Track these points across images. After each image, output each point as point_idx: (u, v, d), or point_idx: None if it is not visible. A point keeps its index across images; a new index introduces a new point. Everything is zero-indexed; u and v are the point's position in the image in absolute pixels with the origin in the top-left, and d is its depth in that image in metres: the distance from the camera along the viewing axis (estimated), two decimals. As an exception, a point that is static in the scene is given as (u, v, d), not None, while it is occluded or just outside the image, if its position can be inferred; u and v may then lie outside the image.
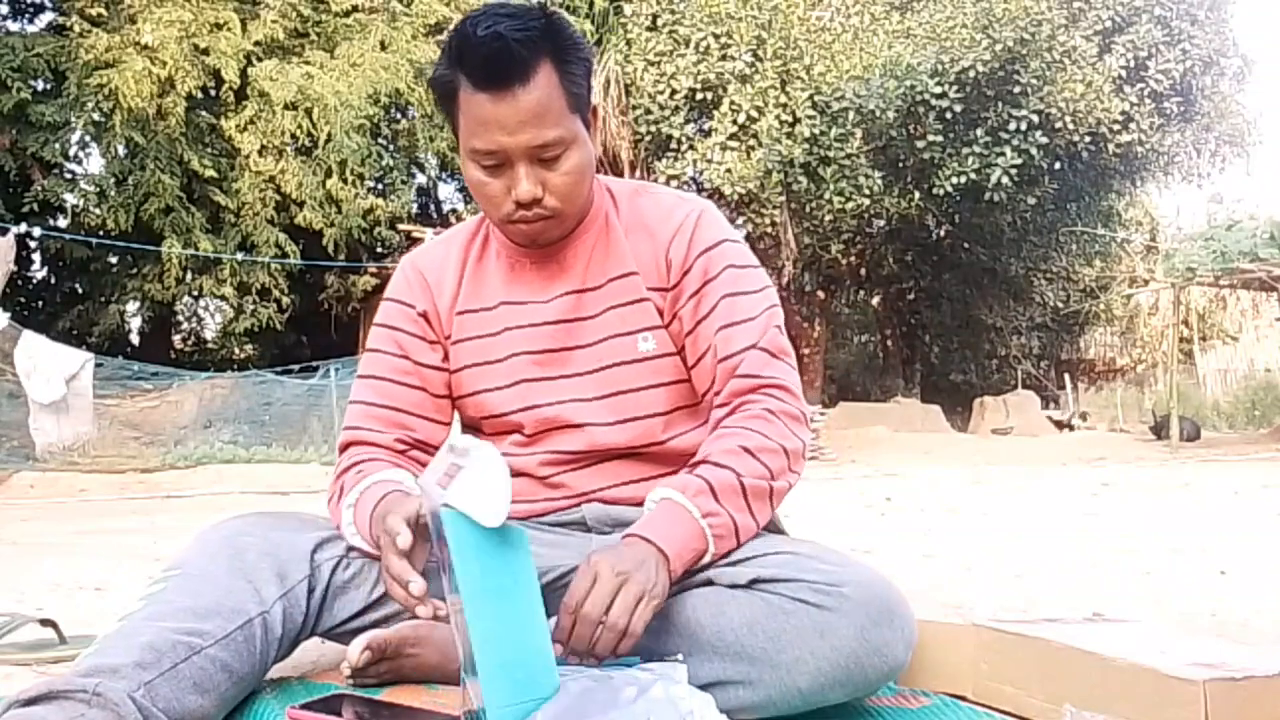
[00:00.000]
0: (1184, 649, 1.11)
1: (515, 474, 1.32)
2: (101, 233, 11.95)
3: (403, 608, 1.11)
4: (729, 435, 1.24)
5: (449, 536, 0.96)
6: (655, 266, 1.33)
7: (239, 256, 12.75)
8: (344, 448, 1.36)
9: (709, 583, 1.18)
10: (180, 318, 17.61)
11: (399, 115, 14.22)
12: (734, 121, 12.89)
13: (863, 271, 18.09)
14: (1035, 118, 12.53)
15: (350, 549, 1.25)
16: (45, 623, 1.70)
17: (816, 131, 12.59)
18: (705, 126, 13.56)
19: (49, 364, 9.75)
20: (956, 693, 1.23)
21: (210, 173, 12.32)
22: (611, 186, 1.39)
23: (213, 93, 12.81)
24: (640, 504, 1.26)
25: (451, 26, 1.23)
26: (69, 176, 12.79)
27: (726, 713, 1.11)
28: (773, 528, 1.32)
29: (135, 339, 16.09)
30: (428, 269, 1.40)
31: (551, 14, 1.20)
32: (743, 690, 1.13)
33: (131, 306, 14.66)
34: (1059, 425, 16.56)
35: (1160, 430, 13.49)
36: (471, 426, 1.43)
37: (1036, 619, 1.32)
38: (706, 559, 1.18)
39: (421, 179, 16.14)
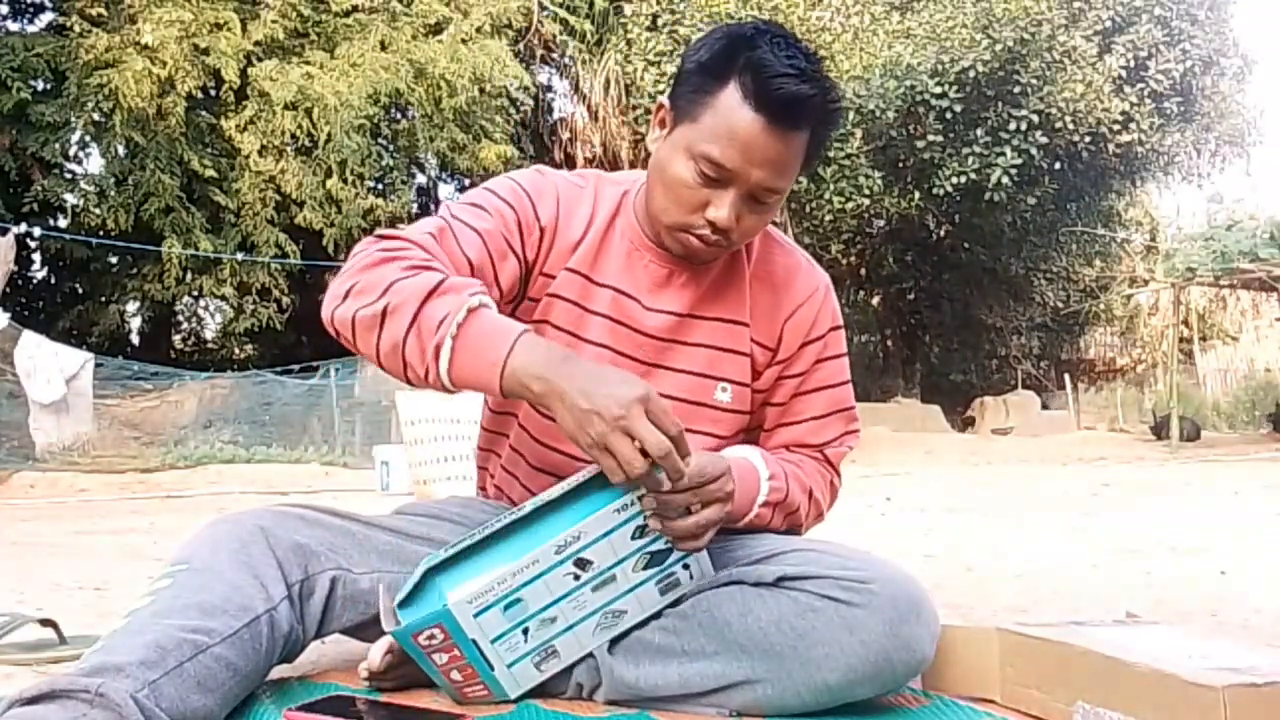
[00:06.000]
0: (1208, 653, 1.11)
1: (560, 451, 1.32)
2: (101, 233, 11.94)
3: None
4: (803, 471, 1.36)
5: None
6: (768, 326, 1.34)
7: (239, 256, 12.75)
8: (391, 238, 1.18)
9: (736, 582, 1.19)
10: (180, 318, 17.60)
11: (399, 115, 14.22)
12: (734, 121, 12.87)
13: (863, 271, 18.09)
14: (1035, 118, 12.52)
15: (356, 569, 1.22)
16: (45, 623, 1.70)
17: (816, 131, 12.58)
18: (706, 126, 13.55)
19: (49, 364, 9.74)
20: (986, 697, 1.24)
21: (210, 173, 12.31)
22: None
23: (213, 93, 12.81)
24: None
25: (737, 25, 1.19)
26: (69, 176, 12.78)
27: (757, 710, 1.15)
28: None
29: (135, 339, 16.09)
30: (565, 197, 1.32)
31: (827, 74, 1.20)
32: (771, 688, 1.15)
33: (131, 306, 14.67)
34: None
35: (1160, 430, 13.49)
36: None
37: (1063, 621, 1.32)
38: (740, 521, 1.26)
39: (421, 179, 16.14)
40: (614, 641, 1.21)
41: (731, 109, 1.14)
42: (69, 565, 3.22)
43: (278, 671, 1.22)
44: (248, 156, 12.27)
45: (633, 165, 14.29)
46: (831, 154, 12.69)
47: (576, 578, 1.11)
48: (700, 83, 1.17)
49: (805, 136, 1.18)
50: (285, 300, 13.36)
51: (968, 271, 17.69)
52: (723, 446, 1.34)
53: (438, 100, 13.04)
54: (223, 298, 13.70)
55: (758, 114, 1.13)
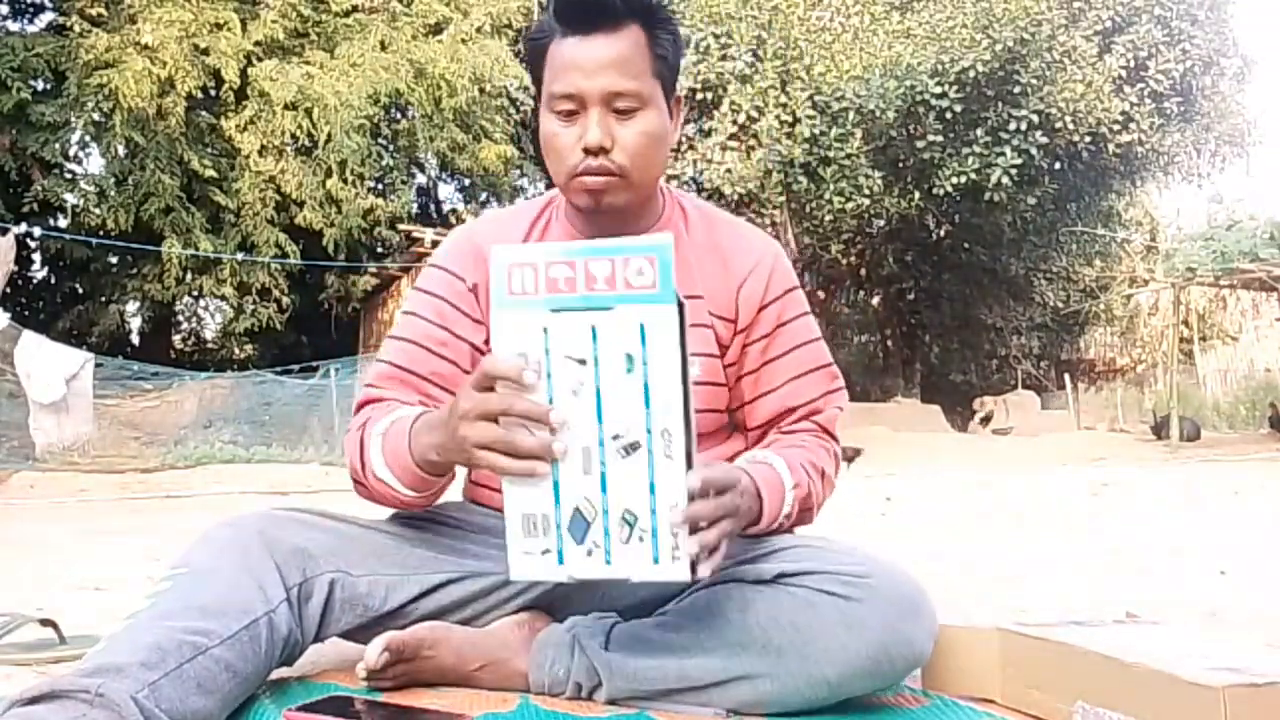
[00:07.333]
0: (1207, 653, 1.10)
1: None
2: (101, 233, 11.95)
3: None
4: (810, 453, 1.32)
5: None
6: (725, 297, 1.33)
7: (239, 256, 12.76)
8: (360, 406, 1.30)
9: (735, 579, 1.19)
10: (180, 318, 17.62)
11: (399, 115, 14.23)
12: (734, 121, 12.88)
13: (863, 271, 18.09)
14: (1035, 118, 12.53)
15: (357, 572, 1.23)
16: (45, 623, 1.70)
17: (816, 131, 12.58)
18: (705, 126, 13.56)
19: (49, 364, 9.74)
20: (985, 696, 1.24)
21: (210, 173, 12.32)
22: (682, 200, 1.38)
23: (213, 93, 12.82)
24: None
25: None
26: (69, 176, 12.79)
27: (758, 705, 1.15)
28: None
29: (135, 339, 16.10)
30: (485, 242, 1.32)
31: None
32: (770, 683, 1.15)
33: (131, 306, 14.68)
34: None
35: (1160, 430, 13.49)
36: None
37: (1063, 621, 1.32)
38: (758, 528, 1.23)
39: (421, 179, 16.16)
40: (612, 638, 1.22)
41: (555, 50, 1.21)
42: (69, 565, 3.22)
43: (276, 674, 1.22)
44: (248, 156, 12.28)
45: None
46: (831, 154, 12.70)
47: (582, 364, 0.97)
48: (535, 50, 1.25)
49: (633, 32, 1.20)
50: (285, 300, 13.37)
51: (968, 271, 17.70)
52: (699, 422, 1.29)
53: (438, 100, 13.05)
54: (223, 298, 13.71)
55: (568, 33, 1.20)
